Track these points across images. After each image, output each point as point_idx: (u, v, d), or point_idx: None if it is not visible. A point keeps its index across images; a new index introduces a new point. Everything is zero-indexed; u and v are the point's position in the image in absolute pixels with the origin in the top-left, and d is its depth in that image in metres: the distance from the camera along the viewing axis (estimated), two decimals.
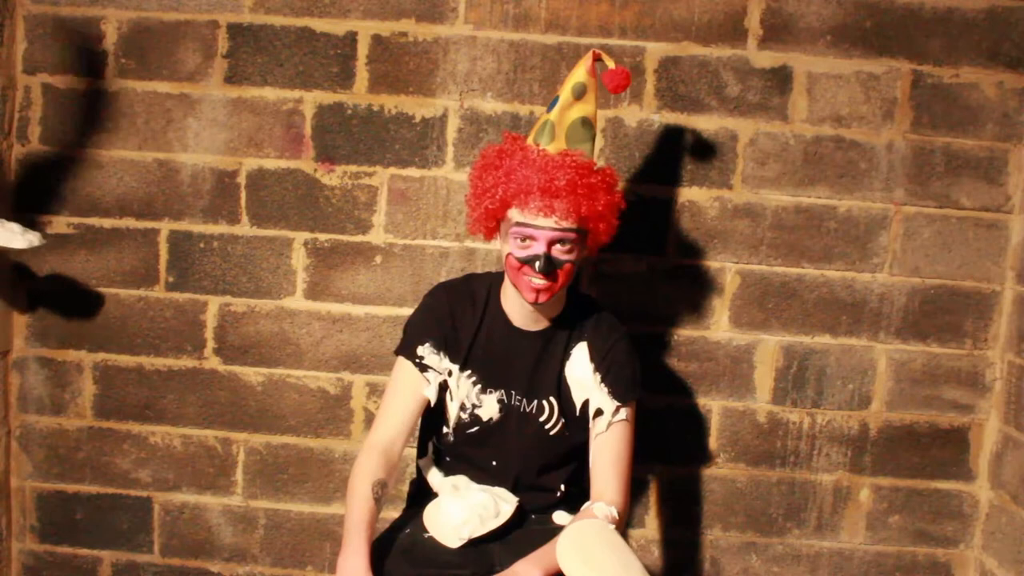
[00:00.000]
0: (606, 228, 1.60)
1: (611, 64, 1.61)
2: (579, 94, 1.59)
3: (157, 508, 2.24)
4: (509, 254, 1.56)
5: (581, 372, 1.64)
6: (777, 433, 2.18)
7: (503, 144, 1.59)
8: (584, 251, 1.60)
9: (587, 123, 1.59)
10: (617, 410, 1.61)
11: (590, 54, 1.62)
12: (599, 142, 2.10)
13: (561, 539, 1.45)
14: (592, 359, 1.64)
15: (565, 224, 1.51)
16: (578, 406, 1.65)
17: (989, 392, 2.16)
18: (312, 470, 2.22)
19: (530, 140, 1.59)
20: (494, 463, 1.67)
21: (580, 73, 1.60)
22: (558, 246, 1.53)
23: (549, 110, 1.60)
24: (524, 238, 1.53)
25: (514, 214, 1.54)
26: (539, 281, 1.53)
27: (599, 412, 1.62)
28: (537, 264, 1.51)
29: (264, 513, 2.23)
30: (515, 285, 1.58)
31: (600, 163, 2.07)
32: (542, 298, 1.55)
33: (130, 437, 2.22)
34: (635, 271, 2.13)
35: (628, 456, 1.63)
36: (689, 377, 2.17)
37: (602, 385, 1.62)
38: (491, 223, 1.61)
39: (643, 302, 2.14)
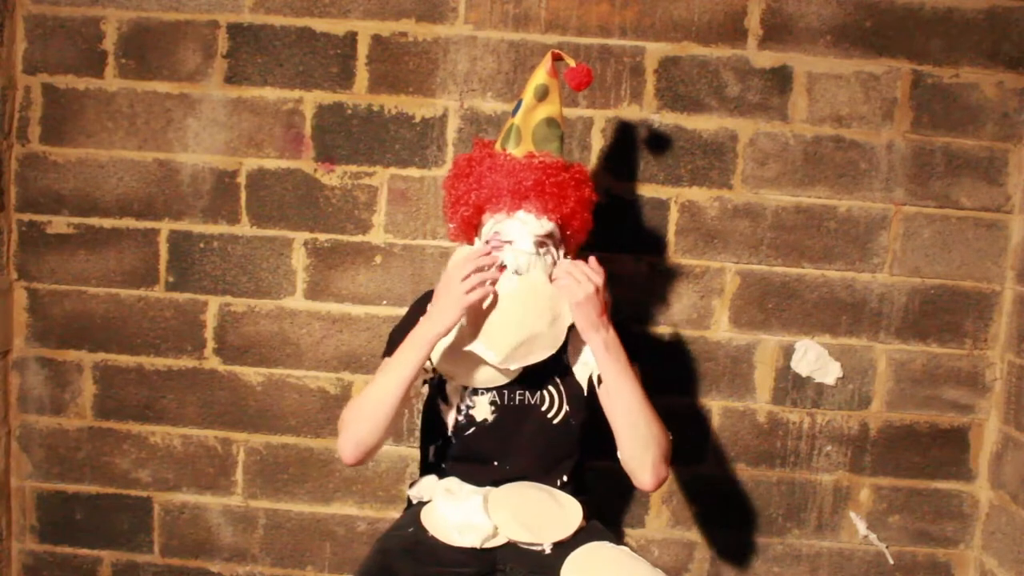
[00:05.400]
0: (580, 224, 1.63)
1: (571, 62, 1.64)
2: (541, 96, 1.62)
3: (157, 508, 2.24)
4: None
5: (580, 354, 1.65)
6: (777, 433, 2.18)
7: (472, 152, 1.64)
8: (562, 252, 1.63)
9: (552, 123, 1.62)
10: None
11: (549, 55, 1.65)
12: (598, 143, 2.10)
13: (566, 565, 1.48)
14: None
15: (537, 227, 1.56)
16: (584, 385, 1.65)
17: (989, 392, 2.16)
18: (312, 470, 2.22)
19: (497, 146, 1.63)
20: (495, 463, 1.67)
21: (540, 75, 1.62)
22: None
23: (513, 114, 1.63)
24: (501, 245, 1.57)
25: (488, 220, 1.59)
26: None
27: (601, 379, 1.61)
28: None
29: (264, 513, 2.23)
30: None
31: (598, 164, 2.09)
32: None
33: (130, 437, 2.22)
34: (635, 271, 2.13)
35: (648, 400, 1.59)
36: (689, 377, 2.17)
37: None
38: (469, 230, 1.65)
39: (643, 302, 2.14)
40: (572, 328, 1.66)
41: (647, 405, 1.56)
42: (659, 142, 2.10)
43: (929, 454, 2.18)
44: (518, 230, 1.56)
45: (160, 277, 2.18)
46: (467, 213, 1.61)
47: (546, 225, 1.57)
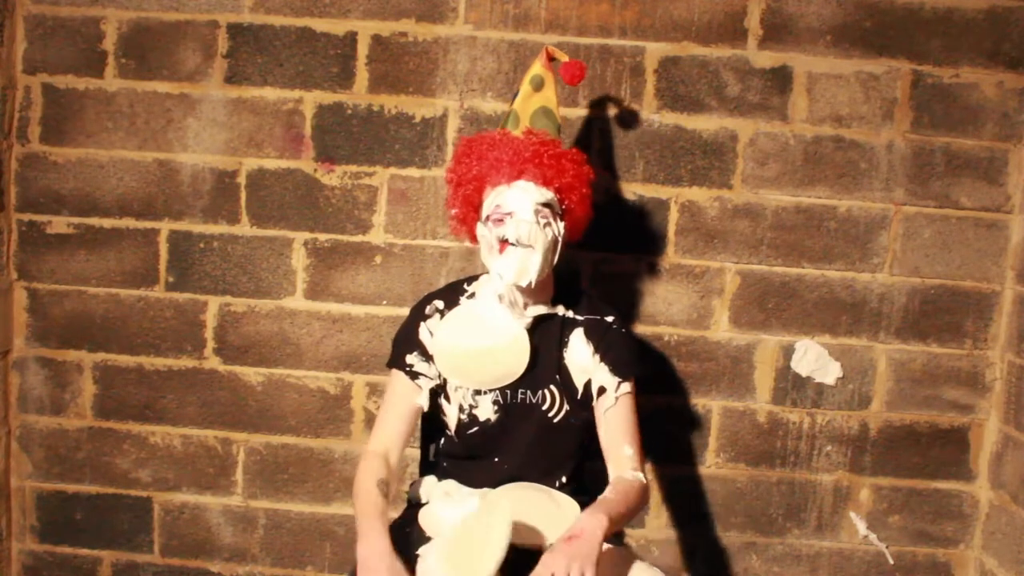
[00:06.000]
0: (579, 199, 1.66)
1: (564, 58, 1.74)
2: (537, 86, 1.71)
3: (157, 508, 2.24)
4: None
5: (581, 357, 1.67)
6: (777, 433, 2.18)
7: (472, 137, 1.70)
8: (562, 226, 1.64)
9: (548, 112, 1.71)
10: (619, 385, 1.65)
11: (544, 50, 1.74)
12: (598, 143, 2.10)
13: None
14: (589, 341, 1.67)
15: (537, 195, 1.59)
16: (580, 388, 1.66)
17: (989, 392, 2.16)
18: (312, 470, 2.22)
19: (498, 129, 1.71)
20: (496, 460, 1.67)
21: (537, 67, 1.73)
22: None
23: (512, 102, 1.72)
24: (502, 218, 1.59)
25: (489, 195, 1.62)
26: None
27: (602, 390, 1.64)
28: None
29: (264, 513, 2.23)
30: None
31: (598, 164, 2.09)
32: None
33: (130, 437, 2.22)
34: (635, 271, 2.13)
35: (638, 425, 1.68)
36: (689, 377, 2.17)
37: (602, 364, 1.65)
38: (470, 213, 1.66)
39: (643, 302, 2.14)
40: (571, 332, 1.67)
41: (626, 505, 1.55)
42: (659, 142, 2.10)
43: (929, 454, 2.18)
44: (518, 199, 1.58)
45: (160, 277, 2.18)
46: (469, 191, 1.64)
47: (546, 194, 1.60)
